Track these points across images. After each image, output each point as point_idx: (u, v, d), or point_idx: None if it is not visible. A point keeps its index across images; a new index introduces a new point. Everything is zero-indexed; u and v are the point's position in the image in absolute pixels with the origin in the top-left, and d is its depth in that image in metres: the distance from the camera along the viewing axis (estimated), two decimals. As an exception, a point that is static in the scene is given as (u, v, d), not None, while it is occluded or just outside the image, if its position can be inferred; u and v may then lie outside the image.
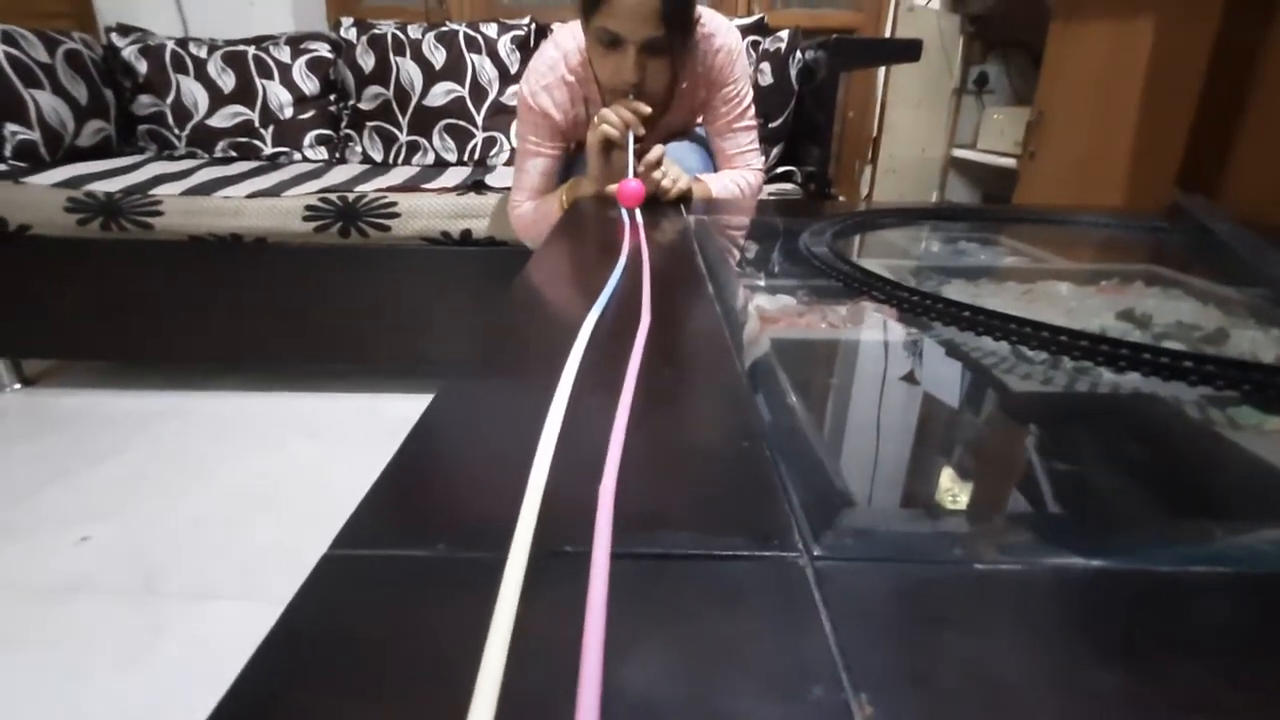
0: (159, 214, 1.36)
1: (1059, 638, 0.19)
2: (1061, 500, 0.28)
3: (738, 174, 1.09)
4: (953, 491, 0.28)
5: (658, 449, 0.29)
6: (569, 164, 1.13)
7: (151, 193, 1.37)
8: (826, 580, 0.21)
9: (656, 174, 0.89)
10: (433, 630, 0.19)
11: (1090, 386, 0.38)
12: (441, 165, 1.81)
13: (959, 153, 2.12)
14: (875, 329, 0.49)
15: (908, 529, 0.25)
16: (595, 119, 0.90)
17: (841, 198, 2.26)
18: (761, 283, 0.62)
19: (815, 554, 0.22)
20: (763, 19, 1.71)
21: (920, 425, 0.35)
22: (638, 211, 0.75)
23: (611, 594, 0.19)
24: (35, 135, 1.54)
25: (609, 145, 0.91)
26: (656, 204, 0.89)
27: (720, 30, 1.02)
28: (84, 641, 0.86)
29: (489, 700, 0.15)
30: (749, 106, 1.08)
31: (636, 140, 0.88)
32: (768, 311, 0.51)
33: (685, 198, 0.93)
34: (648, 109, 0.90)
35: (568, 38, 1.02)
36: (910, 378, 0.42)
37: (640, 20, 0.87)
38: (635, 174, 0.83)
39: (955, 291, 0.60)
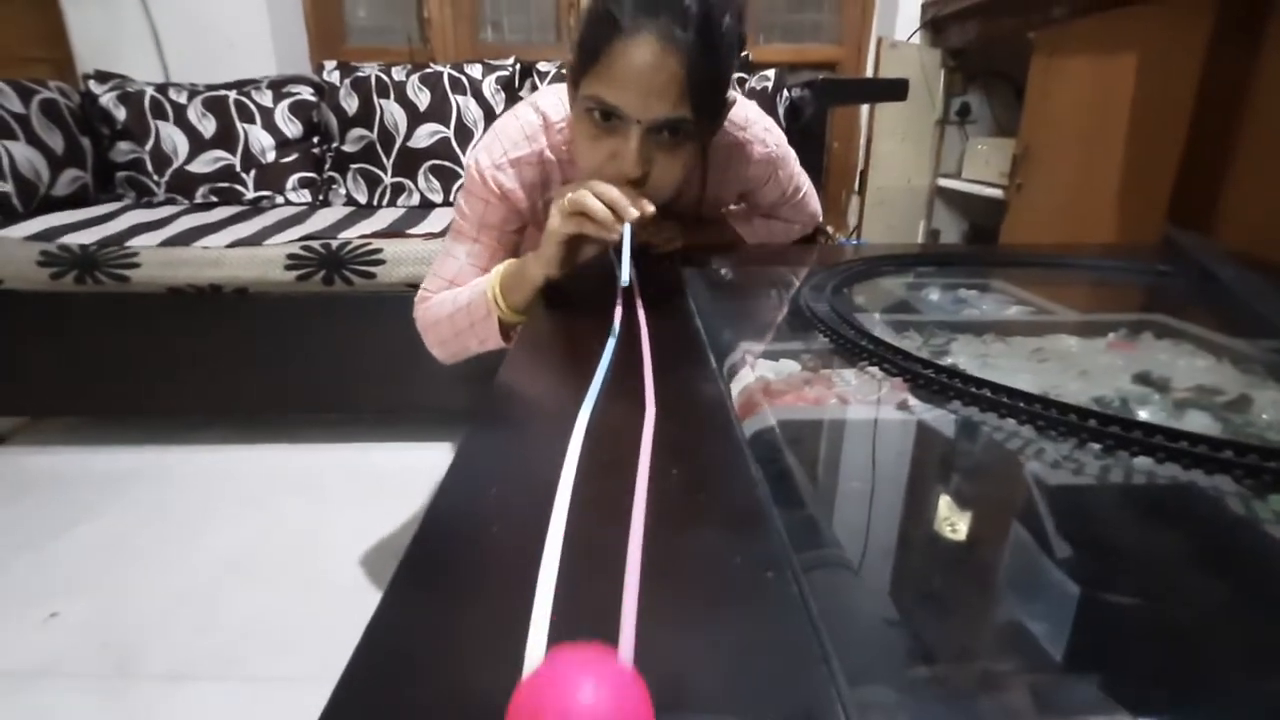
0: (136, 265, 1.33)
1: None
2: (1170, 655, 0.23)
3: (782, 225, 0.96)
4: (1045, 646, 0.23)
5: (666, 593, 0.25)
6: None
7: (128, 244, 1.34)
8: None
9: (643, 234, 0.77)
10: None
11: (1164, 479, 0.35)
12: (428, 206, 1.79)
13: (944, 182, 2.14)
14: (894, 409, 0.46)
15: (993, 704, 0.21)
16: (566, 201, 0.64)
17: (830, 228, 2.26)
18: (761, 347, 0.59)
19: (867, 752, 0.19)
20: (747, 55, 1.72)
21: (980, 549, 0.31)
22: (633, 280, 0.60)
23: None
24: (8, 187, 1.51)
25: (582, 238, 0.66)
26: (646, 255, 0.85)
27: (757, 138, 0.83)
28: (50, 733, 0.81)
29: None
30: (799, 184, 0.94)
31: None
32: (773, 385, 0.49)
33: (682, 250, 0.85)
34: (652, 208, 0.63)
35: (555, 102, 0.77)
36: (957, 480, 0.39)
37: (653, 94, 0.60)
38: (629, 281, 0.60)
39: (964, 349, 0.58)
